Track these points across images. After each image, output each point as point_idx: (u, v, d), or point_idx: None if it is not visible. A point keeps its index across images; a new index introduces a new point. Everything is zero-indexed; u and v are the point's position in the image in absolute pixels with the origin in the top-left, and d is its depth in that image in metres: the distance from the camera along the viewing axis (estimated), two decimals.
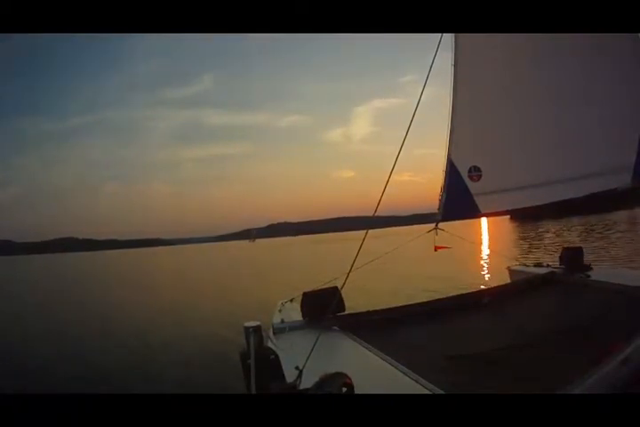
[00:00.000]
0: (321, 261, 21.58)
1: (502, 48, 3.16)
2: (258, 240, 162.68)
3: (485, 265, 12.54)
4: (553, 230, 23.07)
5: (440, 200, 3.43)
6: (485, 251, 15.57)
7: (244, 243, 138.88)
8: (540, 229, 25.11)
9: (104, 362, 5.57)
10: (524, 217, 34.46)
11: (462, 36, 3.13)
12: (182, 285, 16.05)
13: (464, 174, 3.37)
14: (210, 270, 24.02)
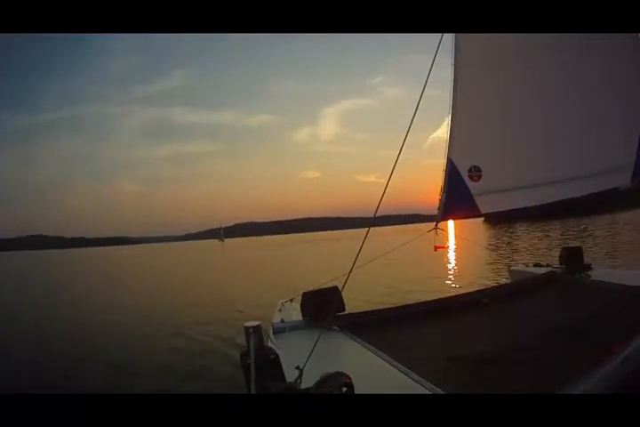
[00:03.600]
0: (299, 261, 21.82)
1: (502, 48, 3.16)
2: (226, 240, 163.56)
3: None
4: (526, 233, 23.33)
5: (440, 200, 3.43)
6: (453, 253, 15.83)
7: (214, 242, 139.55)
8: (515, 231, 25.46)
9: (77, 359, 5.58)
10: (498, 220, 34.06)
11: (462, 36, 3.13)
12: (154, 284, 16.06)
13: (464, 174, 3.37)
14: (184, 269, 23.84)
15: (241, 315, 7.75)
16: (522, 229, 27.30)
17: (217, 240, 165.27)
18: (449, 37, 3.06)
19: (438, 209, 3.42)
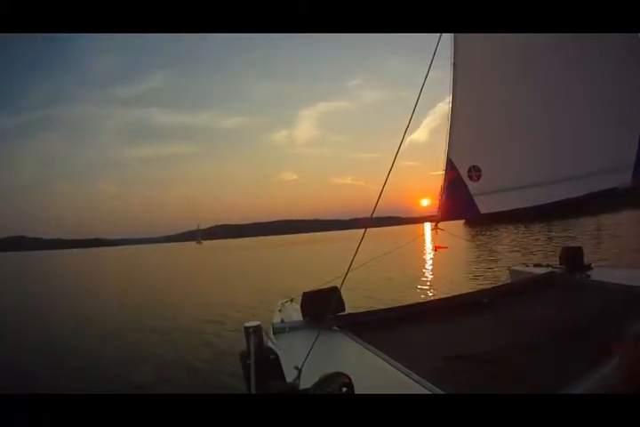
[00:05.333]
0: (279, 265, 21.91)
1: (502, 48, 3.16)
2: (203, 242, 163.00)
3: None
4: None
5: (440, 200, 3.43)
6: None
7: (192, 244, 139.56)
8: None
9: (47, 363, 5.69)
10: (479, 222, 33.79)
11: (461, 36, 3.13)
12: (130, 286, 16.26)
13: (463, 174, 3.37)
14: (165, 272, 23.98)
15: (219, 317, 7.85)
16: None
17: (194, 242, 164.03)
18: (438, 39, 3.02)
19: (438, 209, 3.42)
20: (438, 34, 2.67)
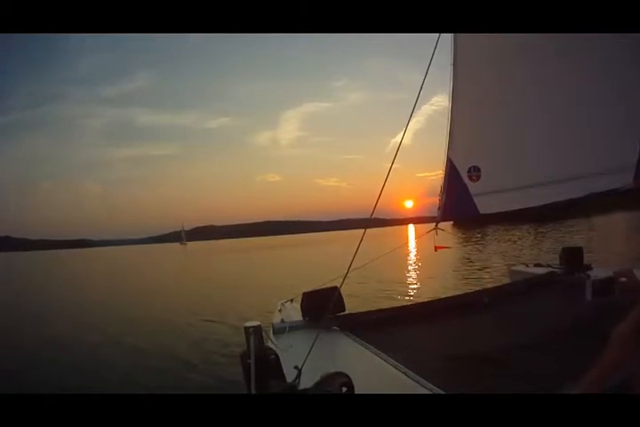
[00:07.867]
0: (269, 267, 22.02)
1: (501, 48, 3.16)
2: (187, 243, 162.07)
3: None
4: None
5: (440, 200, 3.43)
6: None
7: (176, 245, 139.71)
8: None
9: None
10: (468, 223, 33.62)
11: (462, 35, 3.13)
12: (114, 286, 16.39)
13: (463, 174, 3.37)
14: (152, 273, 24.08)
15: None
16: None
17: (178, 244, 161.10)
18: (433, 40, 2.97)
19: (438, 209, 3.42)
20: (428, 35, 2.67)
